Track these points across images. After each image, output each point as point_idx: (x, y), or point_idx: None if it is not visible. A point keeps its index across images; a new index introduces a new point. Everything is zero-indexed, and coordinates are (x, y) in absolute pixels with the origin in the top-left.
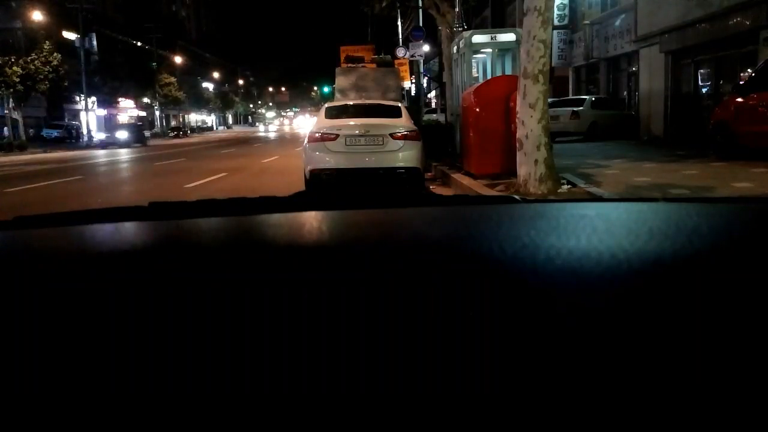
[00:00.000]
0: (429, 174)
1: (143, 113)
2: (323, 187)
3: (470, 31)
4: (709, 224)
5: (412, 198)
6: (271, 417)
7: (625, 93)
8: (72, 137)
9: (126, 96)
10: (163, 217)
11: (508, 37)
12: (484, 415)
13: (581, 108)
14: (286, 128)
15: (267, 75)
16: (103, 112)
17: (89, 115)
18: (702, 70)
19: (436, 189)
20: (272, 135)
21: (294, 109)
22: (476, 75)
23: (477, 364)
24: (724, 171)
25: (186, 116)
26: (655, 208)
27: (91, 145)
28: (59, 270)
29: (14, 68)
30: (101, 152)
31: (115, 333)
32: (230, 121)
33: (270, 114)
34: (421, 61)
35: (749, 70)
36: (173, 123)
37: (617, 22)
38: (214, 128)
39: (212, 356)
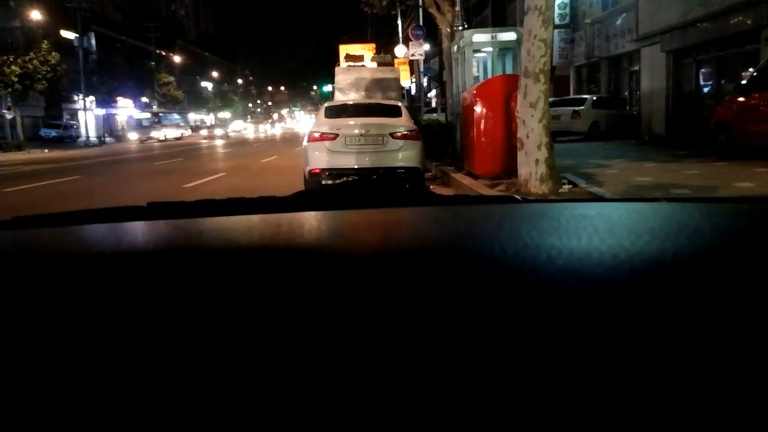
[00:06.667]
0: (429, 174)
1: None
2: (323, 187)
3: (471, 30)
4: (710, 224)
5: (412, 198)
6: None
7: (626, 92)
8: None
9: (124, 95)
10: (162, 217)
11: (509, 36)
12: (484, 414)
13: (582, 107)
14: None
15: (266, 74)
16: (101, 111)
17: (87, 114)
18: (703, 70)
19: (436, 189)
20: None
21: (293, 108)
22: (477, 74)
23: (477, 364)
24: (726, 171)
25: (185, 116)
26: (657, 207)
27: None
28: (57, 270)
29: (13, 67)
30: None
31: (114, 333)
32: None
33: (239, 122)
34: (421, 60)
35: (751, 69)
36: None
37: (618, 21)
38: None
39: (211, 356)
